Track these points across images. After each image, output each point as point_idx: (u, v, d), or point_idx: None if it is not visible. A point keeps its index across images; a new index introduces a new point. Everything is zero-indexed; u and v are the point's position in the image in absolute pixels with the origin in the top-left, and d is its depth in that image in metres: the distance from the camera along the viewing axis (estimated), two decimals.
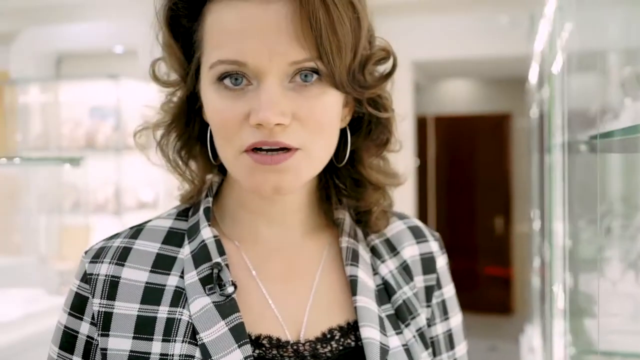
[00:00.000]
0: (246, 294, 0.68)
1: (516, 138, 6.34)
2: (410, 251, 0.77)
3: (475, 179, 6.76)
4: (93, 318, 0.67)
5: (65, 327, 0.68)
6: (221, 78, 0.63)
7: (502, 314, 6.25)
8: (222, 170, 0.75)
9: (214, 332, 0.64)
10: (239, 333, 0.64)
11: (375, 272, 0.75)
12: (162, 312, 0.66)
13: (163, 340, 0.65)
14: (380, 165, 0.77)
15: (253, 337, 0.66)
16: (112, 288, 0.67)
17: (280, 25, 0.61)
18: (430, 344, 0.75)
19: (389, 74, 0.69)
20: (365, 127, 0.74)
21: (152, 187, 4.43)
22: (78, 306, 0.68)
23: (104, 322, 0.66)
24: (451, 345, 0.78)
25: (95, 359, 0.67)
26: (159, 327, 0.65)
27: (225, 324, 0.64)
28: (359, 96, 0.68)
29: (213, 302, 0.65)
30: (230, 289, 0.66)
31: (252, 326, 0.67)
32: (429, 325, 0.76)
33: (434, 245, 0.80)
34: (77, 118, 4.51)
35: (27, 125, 4.56)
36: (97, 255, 0.69)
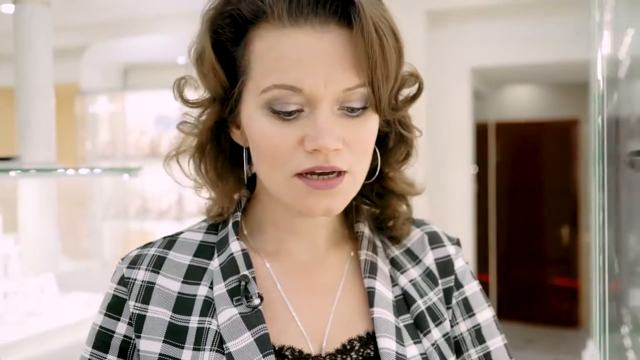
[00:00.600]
0: (271, 306, 0.71)
1: (584, 144, 6.13)
2: (430, 257, 0.79)
3: (539, 187, 6.57)
4: (130, 319, 0.70)
5: (101, 327, 0.71)
6: (272, 104, 0.65)
7: (568, 327, 6.03)
8: (249, 187, 0.77)
9: (240, 342, 0.66)
10: (263, 344, 0.66)
11: (394, 283, 0.76)
12: (193, 322, 0.69)
13: (194, 349, 0.68)
14: (402, 176, 0.80)
15: (276, 348, 0.68)
16: (147, 293, 0.70)
17: (336, 55, 0.63)
18: (455, 344, 0.76)
19: (416, 96, 0.73)
20: (390, 144, 0.77)
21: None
22: (115, 307, 0.71)
23: (137, 324, 0.69)
24: (480, 340, 0.78)
25: (132, 358, 0.70)
26: (190, 337, 0.68)
27: (251, 334, 0.66)
28: (390, 118, 0.71)
29: (240, 313, 0.68)
30: (256, 301, 0.68)
31: (276, 337, 0.69)
32: (451, 326, 0.77)
33: (450, 249, 0.81)
34: (143, 127, 4.67)
35: (95, 134, 4.76)
36: (134, 262, 0.73)
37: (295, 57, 0.63)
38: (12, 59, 2.50)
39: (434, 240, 0.81)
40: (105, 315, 0.71)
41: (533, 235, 6.51)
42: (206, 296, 0.70)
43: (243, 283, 0.69)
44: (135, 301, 0.70)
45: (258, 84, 0.66)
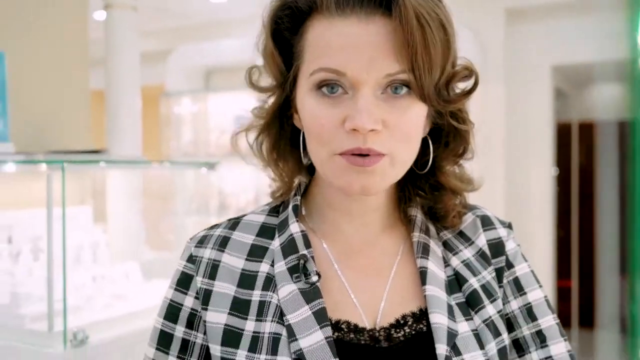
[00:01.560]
0: (328, 284, 0.75)
1: None
2: (483, 239, 0.82)
3: (625, 189, 6.27)
4: (197, 293, 0.76)
5: (171, 300, 0.77)
6: (320, 86, 0.70)
7: None
8: (309, 172, 0.83)
9: (299, 315, 0.71)
10: (320, 316, 0.70)
11: (447, 264, 0.79)
12: (256, 295, 0.74)
13: (256, 320, 0.73)
14: (457, 172, 0.82)
15: (333, 322, 0.72)
16: (213, 269, 0.76)
17: (379, 42, 0.68)
18: (507, 321, 0.79)
19: (471, 90, 0.74)
20: (444, 137, 0.79)
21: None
22: (184, 282, 0.77)
23: (205, 298, 0.75)
24: (532, 317, 0.80)
25: (199, 329, 0.76)
26: (253, 309, 0.74)
27: (309, 308, 0.71)
28: (442, 109, 0.74)
29: (299, 289, 0.73)
30: (314, 278, 0.73)
31: (332, 312, 0.73)
32: (503, 304, 0.79)
33: (502, 231, 0.83)
34: (223, 126, 4.84)
35: (179, 134, 4.98)
36: (201, 242, 0.79)
37: (341, 44, 0.68)
38: (103, 63, 2.67)
39: (486, 223, 0.84)
40: (175, 289, 0.77)
41: (618, 240, 6.21)
42: (267, 273, 0.75)
43: (302, 261, 0.74)
44: (203, 277, 0.76)
45: (308, 68, 0.71)
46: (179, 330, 0.76)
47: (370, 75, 0.68)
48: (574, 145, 6.15)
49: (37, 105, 2.21)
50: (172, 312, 0.77)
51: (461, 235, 0.82)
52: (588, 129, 6.23)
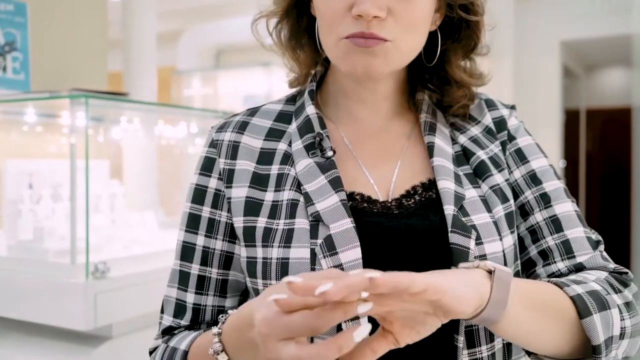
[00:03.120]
0: (342, 161, 0.78)
1: None
2: (488, 117, 0.85)
3: (632, 176, 6.28)
4: (220, 174, 0.79)
5: (197, 184, 0.81)
6: None
7: None
8: (326, 62, 0.86)
9: (316, 184, 0.74)
10: (336, 183, 0.74)
11: (454, 142, 0.82)
12: (274, 169, 0.78)
13: (275, 190, 0.76)
14: (467, 66, 0.83)
15: (347, 193, 0.75)
16: (234, 150, 0.80)
17: None
18: (511, 189, 0.81)
19: None
20: (455, 30, 0.80)
21: None
22: (207, 166, 0.80)
23: (228, 177, 0.79)
24: (535, 182, 0.81)
25: (222, 207, 0.79)
26: (272, 181, 0.77)
27: (325, 177, 0.74)
28: (452, 1, 0.75)
29: (315, 162, 0.76)
30: (329, 153, 0.76)
31: (347, 185, 0.76)
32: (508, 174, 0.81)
33: (504, 111, 0.86)
34: (233, 106, 4.89)
35: None
36: (222, 127, 0.83)
37: None
38: (121, 45, 2.72)
39: (490, 104, 0.86)
40: (200, 174, 0.81)
41: (623, 228, 6.23)
42: (285, 150, 0.79)
43: (318, 139, 0.77)
44: (225, 158, 0.79)
45: None
46: (205, 211, 0.79)
47: None
48: (581, 132, 6.17)
49: (57, 59, 2.25)
50: (198, 194, 0.80)
51: (468, 116, 0.85)
52: (595, 115, 6.25)
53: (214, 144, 0.81)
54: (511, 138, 0.84)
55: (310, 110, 0.80)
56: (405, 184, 0.78)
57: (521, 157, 0.83)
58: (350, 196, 0.75)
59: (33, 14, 2.07)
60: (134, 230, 2.04)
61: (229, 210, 0.78)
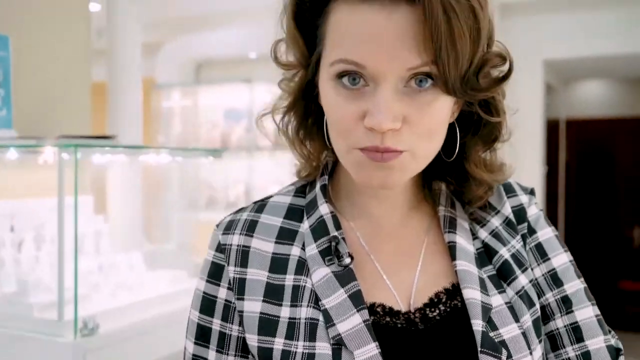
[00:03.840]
0: (360, 266, 0.73)
1: None
2: (508, 207, 0.80)
3: (611, 186, 6.37)
4: (230, 284, 0.74)
5: (204, 293, 0.76)
6: (340, 76, 0.66)
7: None
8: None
9: (335, 298, 0.69)
10: (357, 299, 0.69)
11: (475, 236, 0.78)
12: (289, 280, 0.72)
13: (291, 306, 0.71)
14: (487, 159, 0.78)
15: (368, 305, 0.71)
16: (244, 256, 0.74)
17: (401, 33, 0.63)
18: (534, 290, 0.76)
19: (504, 78, 0.69)
20: (475, 124, 0.75)
21: (281, 185, 4.61)
22: (215, 273, 0.75)
23: (239, 287, 0.73)
24: (557, 284, 0.77)
25: (234, 320, 0.74)
26: (287, 294, 0.72)
27: (345, 291, 0.69)
28: (471, 99, 0.70)
29: (332, 272, 0.71)
30: (347, 260, 0.71)
31: (366, 295, 0.71)
32: None
33: (523, 198, 0.81)
34: (213, 120, 4.81)
35: (169, 127, 4.93)
36: (228, 228, 0.76)
37: (361, 33, 0.64)
38: (105, 56, 2.65)
39: (509, 190, 0.82)
40: (207, 281, 0.76)
41: (602, 236, 6.31)
42: (299, 257, 0.73)
43: (334, 243, 0.72)
44: (235, 266, 0.74)
45: (329, 56, 0.68)
46: (216, 323, 0.75)
47: (392, 68, 0.64)
48: (561, 142, 6.22)
49: (38, 95, 2.17)
50: (206, 304, 0.75)
51: (487, 205, 0.80)
52: (574, 125, 6.31)
53: (221, 249, 0.76)
54: (531, 231, 0.80)
55: (324, 209, 0.75)
56: (427, 290, 0.73)
57: (542, 253, 0.79)
58: (371, 308, 0.71)
59: (15, 46, 1.98)
60: (120, 273, 1.97)
61: (240, 324, 0.73)
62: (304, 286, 0.72)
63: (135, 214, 2.46)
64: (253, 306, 0.72)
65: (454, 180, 0.79)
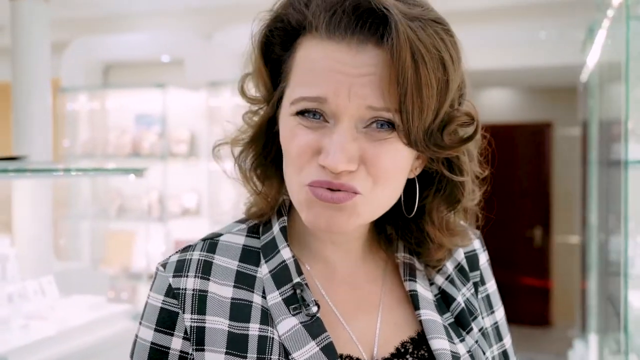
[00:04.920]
0: (322, 315, 0.69)
1: (558, 147, 6.26)
2: (461, 252, 0.78)
3: (513, 188, 6.69)
4: (186, 333, 0.66)
5: (153, 343, 0.68)
6: (301, 113, 0.65)
7: (541, 327, 6.16)
8: None
9: (307, 351, 0.65)
10: (329, 352, 0.65)
11: (431, 282, 0.76)
12: (253, 329, 0.67)
13: (258, 359, 0.65)
14: (450, 221, 0.74)
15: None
16: (201, 302, 0.67)
17: (367, 72, 0.61)
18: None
19: (469, 138, 0.67)
20: (437, 183, 0.72)
21: (196, 193, 4.50)
22: (167, 321, 0.67)
23: (198, 337, 0.66)
24: (499, 337, 0.79)
25: None
26: (252, 345, 0.66)
27: (316, 343, 0.66)
28: (433, 156, 0.67)
29: (300, 323, 0.67)
30: (314, 309, 0.67)
31: None
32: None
33: (476, 244, 0.80)
34: (123, 125, 4.61)
35: (75, 132, 4.68)
36: (180, 269, 0.69)
37: (325, 67, 0.63)
38: (10, 54, 2.45)
39: None
40: (156, 330, 0.68)
41: (504, 237, 6.62)
42: (262, 306, 0.68)
43: (299, 291, 0.68)
44: (192, 313, 0.67)
45: (291, 94, 0.66)
46: None
47: (353, 104, 0.61)
48: None
49: None
50: (156, 357, 0.67)
51: None
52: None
53: (173, 294, 0.68)
54: (482, 281, 0.79)
55: (287, 254, 0.70)
56: (391, 339, 0.71)
57: (489, 305, 0.79)
58: None
59: None
60: (31, 302, 1.83)
61: None
62: (272, 337, 0.66)
63: (44, 231, 2.29)
64: (215, 358, 0.65)
65: (413, 242, 0.75)
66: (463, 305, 0.75)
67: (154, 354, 0.67)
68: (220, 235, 0.74)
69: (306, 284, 0.69)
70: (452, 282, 0.76)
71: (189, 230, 4.38)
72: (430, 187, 0.73)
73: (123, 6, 4.49)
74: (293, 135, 0.65)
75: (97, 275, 2.93)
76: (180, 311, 0.67)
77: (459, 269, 0.78)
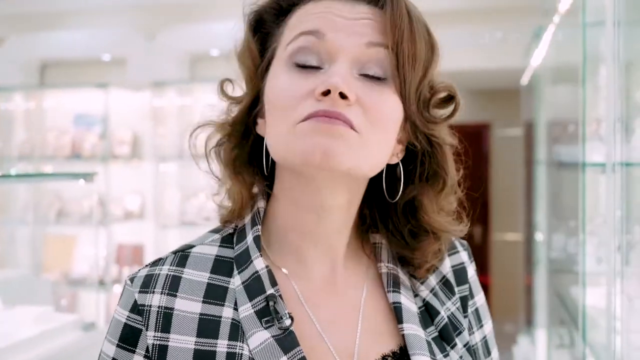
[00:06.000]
0: (299, 326, 0.67)
1: (497, 148, 6.44)
2: (447, 264, 0.77)
3: None
4: (147, 351, 0.65)
5: (114, 359, 0.66)
6: (295, 59, 0.65)
7: None
8: (266, 195, 0.74)
9: None
10: None
11: (415, 294, 0.74)
12: (222, 345, 0.65)
13: None
14: (442, 203, 0.74)
15: None
16: (166, 320, 0.65)
17: (364, 17, 0.65)
18: (471, 355, 0.75)
19: (451, 115, 0.71)
20: (419, 165, 0.72)
21: (139, 196, 4.38)
22: (129, 338, 0.66)
23: (160, 356, 0.64)
24: (487, 351, 0.78)
25: None
26: None
27: (288, 358, 0.63)
28: (418, 121, 0.68)
29: (272, 336, 0.64)
30: (287, 322, 0.65)
31: (308, 359, 0.65)
32: (469, 335, 0.76)
33: (464, 256, 0.79)
34: (62, 126, 4.44)
35: (10, 133, 4.48)
36: (146, 285, 0.67)
37: (323, 11, 0.66)
38: None
39: (450, 246, 0.78)
40: (118, 346, 0.66)
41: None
42: (232, 319, 0.66)
43: (272, 303, 0.66)
44: (155, 331, 0.65)
45: (286, 40, 0.67)
46: None
47: (351, 40, 0.63)
48: None
49: None
50: None
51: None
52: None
53: (138, 310, 0.66)
54: (472, 295, 0.78)
55: (259, 264, 0.68)
56: (371, 352, 0.69)
57: (479, 319, 0.78)
58: None
59: None
60: None
61: None
62: (241, 353, 0.64)
63: None
64: None
65: (406, 236, 0.74)
66: (447, 319, 0.73)
67: None
68: (192, 247, 0.72)
69: (280, 296, 0.66)
70: (436, 295, 0.74)
71: (133, 234, 4.26)
72: (413, 176, 0.72)
73: (62, 3, 4.33)
74: (285, 83, 0.65)
75: (40, 283, 2.80)
76: (143, 328, 0.65)
77: (444, 282, 0.76)
